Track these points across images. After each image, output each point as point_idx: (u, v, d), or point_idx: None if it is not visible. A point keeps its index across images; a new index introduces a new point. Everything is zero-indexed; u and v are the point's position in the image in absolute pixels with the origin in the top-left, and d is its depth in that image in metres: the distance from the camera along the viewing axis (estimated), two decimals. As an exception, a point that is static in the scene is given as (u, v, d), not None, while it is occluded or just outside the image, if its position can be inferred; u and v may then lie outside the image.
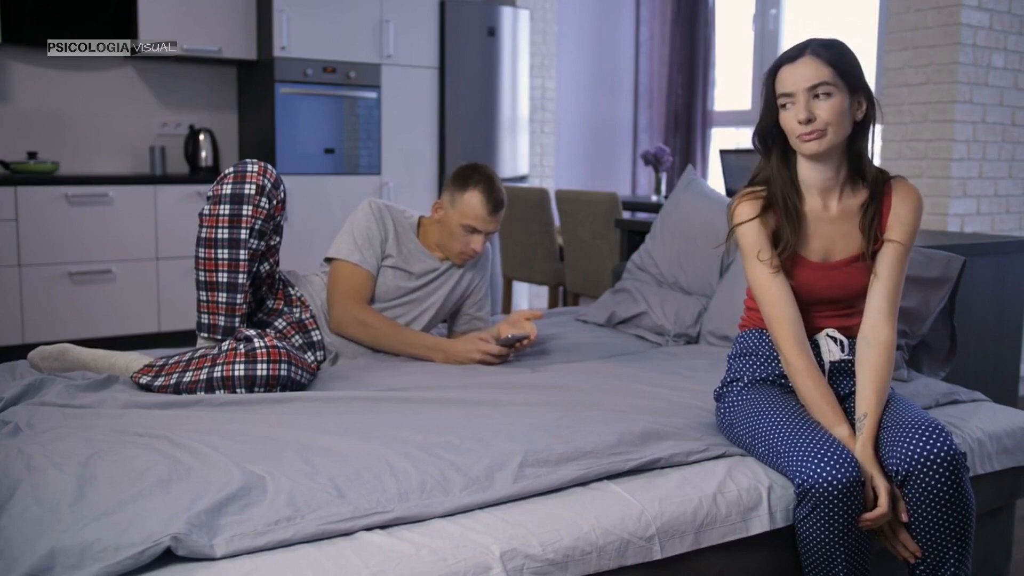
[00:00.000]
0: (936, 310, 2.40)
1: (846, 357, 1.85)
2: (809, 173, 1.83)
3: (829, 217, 1.84)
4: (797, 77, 1.74)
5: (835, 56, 1.74)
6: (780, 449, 1.69)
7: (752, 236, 1.84)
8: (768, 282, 1.82)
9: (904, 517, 1.67)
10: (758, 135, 1.87)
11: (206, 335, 2.24)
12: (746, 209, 1.85)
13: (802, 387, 1.78)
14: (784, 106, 1.78)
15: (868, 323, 1.81)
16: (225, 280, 2.20)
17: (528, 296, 6.11)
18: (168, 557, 1.28)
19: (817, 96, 1.73)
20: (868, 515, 1.63)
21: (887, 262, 1.81)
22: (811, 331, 1.86)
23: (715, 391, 1.98)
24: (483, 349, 2.40)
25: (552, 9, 6.06)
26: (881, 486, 1.64)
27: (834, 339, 1.85)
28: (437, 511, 1.47)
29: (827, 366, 1.85)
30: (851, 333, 1.87)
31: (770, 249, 1.82)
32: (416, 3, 5.04)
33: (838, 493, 1.58)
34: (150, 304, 4.48)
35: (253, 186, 2.21)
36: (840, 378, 1.88)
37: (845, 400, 1.87)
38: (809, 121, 1.73)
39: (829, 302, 1.86)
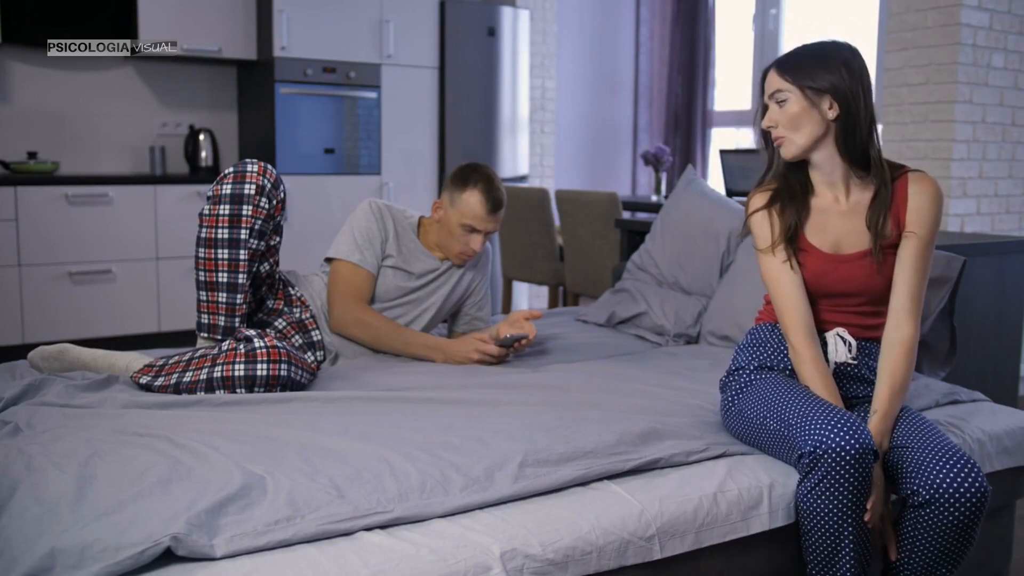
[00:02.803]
0: (936, 310, 2.40)
1: (851, 360, 1.84)
2: (812, 170, 1.88)
3: (840, 211, 1.86)
4: (766, 88, 1.87)
5: (792, 67, 1.82)
6: (791, 420, 1.67)
7: (763, 226, 1.88)
8: (778, 272, 1.84)
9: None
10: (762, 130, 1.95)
11: (206, 335, 2.24)
12: (758, 200, 1.91)
13: (807, 376, 1.79)
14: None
15: (892, 321, 1.81)
16: (225, 280, 2.20)
17: (528, 296, 6.11)
18: (168, 557, 1.28)
19: (778, 103, 1.83)
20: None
21: (908, 257, 1.80)
22: (820, 326, 1.87)
23: (720, 380, 1.97)
24: (481, 349, 2.40)
25: (552, 9, 6.06)
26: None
27: (843, 340, 1.85)
28: (437, 511, 1.47)
29: (832, 366, 1.84)
30: (860, 334, 1.87)
31: (780, 239, 1.85)
32: (416, 3, 5.04)
33: (850, 459, 1.55)
34: (150, 304, 4.48)
35: (253, 186, 2.21)
36: (845, 382, 1.87)
37: (847, 404, 1.86)
38: (771, 128, 1.85)
39: (838, 296, 1.87)
